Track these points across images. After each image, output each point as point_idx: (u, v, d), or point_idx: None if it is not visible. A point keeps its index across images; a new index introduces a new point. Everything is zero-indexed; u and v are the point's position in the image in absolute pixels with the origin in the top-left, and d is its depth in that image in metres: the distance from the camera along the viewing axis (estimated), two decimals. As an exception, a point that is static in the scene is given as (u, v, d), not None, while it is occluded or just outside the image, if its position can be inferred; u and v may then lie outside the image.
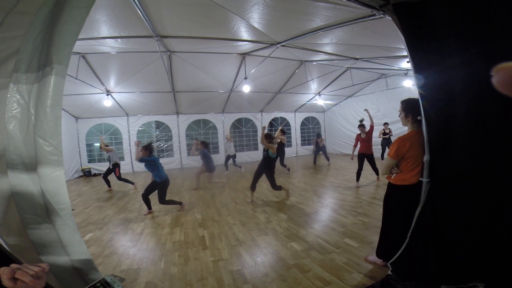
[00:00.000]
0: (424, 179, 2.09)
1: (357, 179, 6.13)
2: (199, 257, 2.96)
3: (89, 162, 10.43)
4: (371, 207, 4.45)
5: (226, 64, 6.84)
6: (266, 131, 5.03)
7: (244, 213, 4.48)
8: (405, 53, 5.64)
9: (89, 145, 10.52)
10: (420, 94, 2.01)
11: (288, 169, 8.48)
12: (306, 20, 3.81)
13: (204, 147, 6.58)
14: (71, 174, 9.51)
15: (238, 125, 12.30)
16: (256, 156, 12.27)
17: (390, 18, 2.28)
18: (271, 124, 13.00)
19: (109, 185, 7.12)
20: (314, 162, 10.02)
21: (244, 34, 4.65)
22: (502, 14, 1.49)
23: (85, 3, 1.39)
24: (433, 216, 2.03)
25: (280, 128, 7.05)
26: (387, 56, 6.15)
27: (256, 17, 3.87)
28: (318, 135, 10.09)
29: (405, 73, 8.25)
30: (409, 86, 8.14)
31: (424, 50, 1.98)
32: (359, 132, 6.40)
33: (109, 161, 7.10)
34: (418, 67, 2.03)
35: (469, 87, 1.71)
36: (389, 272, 2.27)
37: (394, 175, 2.36)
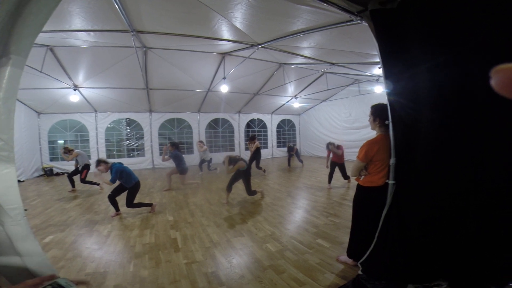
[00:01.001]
0: (390, 181, 2.17)
1: (329, 181, 6.35)
2: (171, 259, 2.84)
3: (51, 160, 9.68)
4: (342, 208, 4.59)
5: (204, 63, 6.72)
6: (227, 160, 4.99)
7: (218, 215, 4.39)
8: (377, 60, 5.94)
9: (51, 143, 9.75)
10: (389, 99, 2.09)
11: (264, 171, 8.54)
12: (288, 22, 3.84)
13: (175, 148, 6.33)
14: (31, 173, 8.77)
15: (214, 125, 12.12)
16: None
17: (367, 24, 2.36)
18: (248, 125, 13.00)
19: (73, 185, 6.65)
20: (289, 164, 10.18)
21: (225, 33, 4.59)
22: (466, 27, 1.60)
23: (55, -6, 1.28)
24: (398, 217, 2.12)
25: (251, 136, 7.17)
26: (361, 62, 6.40)
27: (238, 17, 3.83)
28: (291, 148, 10.38)
29: (376, 79, 8.65)
30: (380, 92, 8.54)
31: (395, 57, 2.07)
32: (330, 148, 6.43)
33: (77, 161, 6.63)
34: (388, 73, 2.11)
35: (432, 94, 1.82)
36: (360, 272, 2.32)
37: (362, 177, 2.43)
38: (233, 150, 12.46)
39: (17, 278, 1.30)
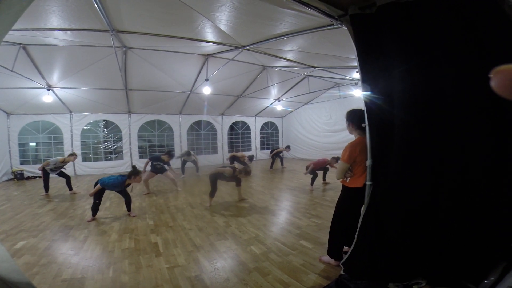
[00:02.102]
0: (368, 182, 2.25)
1: (312, 183, 6.51)
2: (153, 264, 2.76)
3: (21, 163, 9.09)
4: (323, 209, 4.68)
5: (187, 64, 6.62)
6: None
7: (201, 218, 4.33)
8: (356, 64, 6.15)
9: (22, 145, 9.18)
10: (365, 102, 2.17)
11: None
12: (271, 25, 3.88)
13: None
14: (-1, 177, 8.21)
15: (196, 127, 11.93)
16: (215, 159, 12.06)
17: (346, 28, 2.44)
18: (231, 127, 12.95)
19: (71, 188, 6.46)
20: (271, 167, 10.28)
21: (209, 35, 4.56)
22: (438, 33, 1.70)
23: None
24: (376, 216, 2.18)
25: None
26: (342, 66, 6.59)
27: (222, 19, 3.82)
28: (277, 154, 10.57)
29: (356, 82, 8.92)
30: (359, 95, 8.81)
31: (372, 61, 2.15)
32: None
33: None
34: (365, 76, 2.19)
35: (405, 97, 1.91)
36: (342, 272, 2.37)
37: (349, 178, 2.50)
38: (216, 153, 12.34)
39: None
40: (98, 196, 4.34)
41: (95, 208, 4.35)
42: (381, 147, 2.12)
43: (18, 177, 8.72)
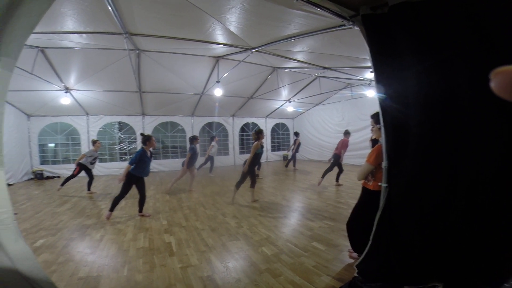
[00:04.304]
0: (383, 184, 2.20)
1: (323, 176, 6.69)
2: (166, 263, 2.81)
3: (41, 164, 9.46)
4: (336, 210, 4.63)
5: (198, 66, 6.71)
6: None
7: (213, 219, 4.36)
8: (369, 64, 6.03)
9: (42, 146, 9.56)
10: (380, 103, 2.13)
11: (257, 175, 8.50)
12: (281, 27, 3.89)
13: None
14: (20, 177, 8.56)
15: (208, 129, 12.06)
16: (226, 161, 12.13)
17: (358, 28, 2.41)
18: (242, 129, 13.00)
19: (89, 188, 6.61)
20: (294, 165, 10.28)
21: (220, 37, 4.61)
22: (452, 33, 1.65)
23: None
24: (391, 219, 2.14)
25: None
26: (353, 66, 6.50)
27: (233, 21, 3.86)
28: (297, 134, 10.37)
29: (368, 83, 8.78)
30: (372, 95, 8.67)
31: (385, 61, 2.12)
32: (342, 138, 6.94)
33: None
34: (379, 77, 2.16)
35: (421, 98, 1.87)
36: (356, 274, 2.34)
37: (371, 182, 2.47)
38: (227, 154, 12.41)
39: (10, 282, 1.27)
40: (125, 189, 4.40)
41: (115, 203, 4.42)
42: (396, 149, 2.08)
43: (38, 177, 9.07)
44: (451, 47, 1.68)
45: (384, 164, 2.18)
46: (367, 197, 2.55)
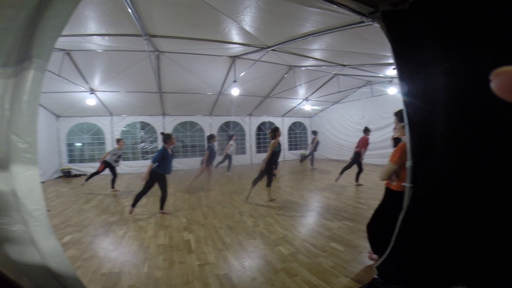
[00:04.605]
0: (407, 185, 2.12)
1: (341, 172, 6.61)
2: (185, 261, 2.87)
3: (69, 162, 10.01)
4: (356, 211, 4.52)
5: (215, 67, 6.79)
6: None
7: (231, 217, 4.41)
8: (390, 61, 5.83)
9: (70, 145, 10.12)
10: (404, 101, 2.05)
11: (275, 174, 8.46)
12: (297, 25, 3.84)
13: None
14: (50, 175, 9.10)
15: (225, 128, 12.19)
16: (243, 159, 12.20)
17: (379, 25, 2.33)
18: (259, 128, 13.02)
19: (113, 186, 6.91)
20: (312, 163, 10.20)
21: (235, 36, 4.63)
22: (477, 28, 1.56)
23: (74, -2, 1.33)
24: (415, 220, 2.07)
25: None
26: (373, 64, 6.31)
27: (248, 20, 3.87)
28: (315, 132, 10.27)
29: (389, 80, 8.48)
30: (394, 93, 8.37)
31: (409, 57, 2.03)
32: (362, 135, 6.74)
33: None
34: (403, 74, 2.07)
35: (446, 95, 1.77)
36: (375, 276, 2.28)
37: (395, 182, 2.39)
38: (244, 153, 12.48)
39: (39, 279, 1.34)
40: (148, 186, 4.56)
41: (137, 199, 4.61)
42: (422, 148, 2.00)
43: (67, 174, 9.61)
44: (478, 42, 1.58)
45: (408, 163, 2.10)
46: (390, 198, 2.48)
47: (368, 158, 7.79)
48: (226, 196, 6.04)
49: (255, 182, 5.43)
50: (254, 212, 4.64)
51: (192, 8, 3.59)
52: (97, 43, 4.93)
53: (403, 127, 2.39)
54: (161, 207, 4.74)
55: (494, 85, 0.30)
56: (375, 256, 2.71)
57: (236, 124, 12.30)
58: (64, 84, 6.73)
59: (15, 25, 1.28)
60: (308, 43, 4.79)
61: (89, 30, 4.21)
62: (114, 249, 3.24)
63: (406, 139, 2.12)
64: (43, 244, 1.34)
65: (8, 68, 1.30)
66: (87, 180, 6.96)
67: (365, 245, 2.99)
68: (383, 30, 2.22)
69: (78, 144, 10.45)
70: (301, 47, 5.21)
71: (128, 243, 3.43)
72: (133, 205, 4.61)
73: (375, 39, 4.20)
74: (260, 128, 13.05)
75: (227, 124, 12.12)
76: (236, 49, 5.53)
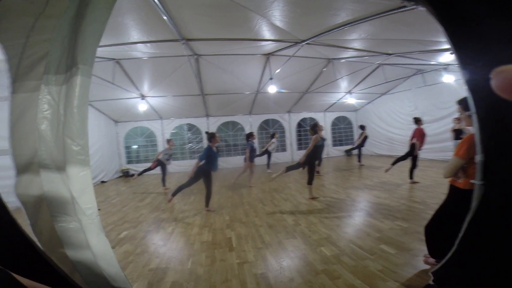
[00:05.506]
0: (477, 182, 1.83)
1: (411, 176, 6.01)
2: (226, 258, 2.92)
3: (127, 163, 11.14)
4: (411, 211, 4.10)
5: (250, 66, 6.85)
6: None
7: (271, 215, 4.38)
8: (443, 47, 5.17)
9: (127, 147, 11.30)
10: (469, 88, 1.77)
11: (318, 171, 8.19)
12: (330, 15, 3.64)
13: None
14: (112, 175, 10.20)
15: (265, 126, 12.26)
16: (284, 157, 12.09)
17: (424, 8, 2.05)
18: (299, 125, 12.77)
19: (164, 184, 7.44)
20: (359, 160, 9.65)
21: (267, 33, 4.58)
22: None
23: (106, 3, 1.42)
24: (485, 222, 1.78)
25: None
26: (423, 50, 5.69)
27: (277, 15, 3.78)
28: (362, 127, 9.72)
29: (444, 67, 7.58)
30: (450, 81, 7.46)
31: (468, 41, 1.74)
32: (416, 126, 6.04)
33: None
34: (464, 59, 1.78)
35: None
36: (431, 282, 2.04)
37: (461, 179, 2.12)
38: (284, 151, 12.37)
39: (89, 275, 1.45)
40: (192, 180, 4.86)
41: (179, 190, 4.98)
42: (497, 140, 1.71)
43: (125, 174, 10.68)
44: None
45: (478, 157, 1.82)
46: (456, 197, 2.18)
47: (424, 152, 7.00)
48: (267, 194, 6.04)
49: (288, 168, 5.29)
50: (296, 211, 4.54)
51: (221, 9, 3.63)
52: (142, 51, 5.32)
53: (470, 116, 2.07)
54: (206, 205, 4.93)
55: (494, 83, 0.30)
56: (432, 260, 2.42)
57: (275, 121, 12.30)
58: (118, 91, 7.44)
59: (59, 34, 1.41)
60: (345, 33, 4.50)
61: (132, 38, 4.55)
62: (163, 245, 3.44)
63: (473, 130, 1.83)
64: (94, 242, 1.44)
65: (59, 75, 1.44)
66: (139, 175, 7.68)
67: (421, 248, 2.69)
68: (431, 12, 1.95)
69: (135, 147, 11.56)
70: (338, 38, 4.92)
71: (175, 239, 3.62)
72: (173, 194, 5.00)
73: (421, 24, 3.79)
74: (300, 125, 12.80)
75: (266, 122, 12.19)
76: (269, 46, 5.48)
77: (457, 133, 6.11)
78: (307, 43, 5.02)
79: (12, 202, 1.28)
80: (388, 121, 11.38)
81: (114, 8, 1.46)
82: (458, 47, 1.81)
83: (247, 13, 3.70)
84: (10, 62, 1.40)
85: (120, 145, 10.97)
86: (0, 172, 2.94)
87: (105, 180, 9.45)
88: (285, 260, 2.79)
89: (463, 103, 2.15)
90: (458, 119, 5.65)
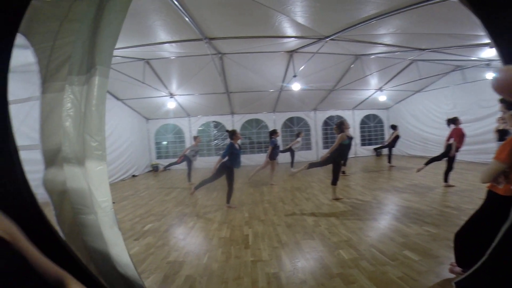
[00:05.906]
0: None
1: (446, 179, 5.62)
2: (240, 255, 2.95)
3: (157, 158, 11.73)
4: (442, 216, 3.81)
5: (274, 63, 6.81)
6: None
7: (291, 215, 4.33)
8: (483, 41, 4.71)
9: (157, 143, 11.91)
10: None
11: (344, 172, 7.92)
12: (354, 9, 3.47)
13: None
14: (142, 169, 10.78)
15: (289, 124, 12.16)
16: (309, 156, 11.87)
17: (457, 0, 1.88)
18: (325, 123, 12.43)
19: (189, 179, 7.71)
20: (389, 161, 9.09)
21: (288, 30, 4.51)
22: None
23: (121, 6, 1.49)
24: None
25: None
26: (461, 45, 5.23)
27: (297, 11, 3.69)
28: (394, 127, 9.20)
29: (486, 63, 6.91)
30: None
31: (510, 33, 1.56)
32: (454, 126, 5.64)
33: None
34: (506, 54, 1.60)
35: None
36: (451, 292, 1.89)
37: (502, 185, 1.94)
38: (309, 149, 12.15)
39: (103, 266, 1.55)
40: (215, 176, 4.99)
41: (202, 184, 5.16)
42: None
43: (155, 169, 11.24)
44: None
45: None
46: (494, 203, 1.99)
47: (463, 154, 6.41)
48: (288, 192, 5.99)
49: (311, 165, 5.21)
50: (317, 211, 4.44)
51: (237, 7, 3.63)
52: (168, 51, 5.52)
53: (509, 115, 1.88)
54: (227, 201, 5.01)
55: (494, 83, 0.31)
56: (458, 269, 2.24)
57: (300, 119, 12.15)
58: (149, 90, 7.82)
59: (80, 37, 1.51)
60: (372, 28, 4.27)
61: (159, 39, 4.73)
62: (183, 239, 3.56)
63: None
64: (107, 233, 1.52)
65: (81, 76, 1.54)
66: (165, 168, 8.15)
67: (448, 255, 2.51)
68: (464, 5, 1.78)
69: (164, 143, 12.15)
70: (365, 33, 4.70)
71: (195, 234, 3.73)
72: (196, 187, 5.15)
73: (455, 17, 3.48)
74: (326, 123, 12.43)
75: (290, 120, 12.08)
76: (292, 43, 5.39)
77: (501, 134, 5.52)
78: (331, 39, 4.86)
79: (41, 194, 1.40)
80: (423, 120, 10.67)
81: (129, 10, 1.53)
82: (498, 41, 1.63)
83: (266, 10, 3.67)
84: (40, 64, 1.52)
85: (151, 141, 11.58)
86: (31, 166, 3.22)
87: (136, 174, 10.01)
88: (300, 261, 2.74)
89: (506, 101, 1.94)
90: (502, 119, 5.11)
